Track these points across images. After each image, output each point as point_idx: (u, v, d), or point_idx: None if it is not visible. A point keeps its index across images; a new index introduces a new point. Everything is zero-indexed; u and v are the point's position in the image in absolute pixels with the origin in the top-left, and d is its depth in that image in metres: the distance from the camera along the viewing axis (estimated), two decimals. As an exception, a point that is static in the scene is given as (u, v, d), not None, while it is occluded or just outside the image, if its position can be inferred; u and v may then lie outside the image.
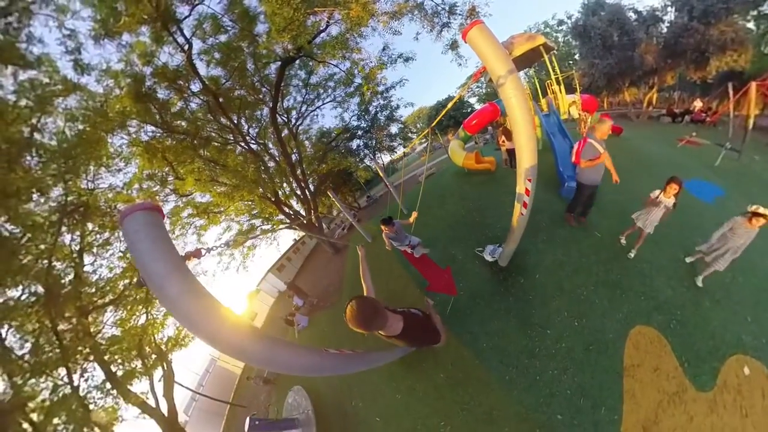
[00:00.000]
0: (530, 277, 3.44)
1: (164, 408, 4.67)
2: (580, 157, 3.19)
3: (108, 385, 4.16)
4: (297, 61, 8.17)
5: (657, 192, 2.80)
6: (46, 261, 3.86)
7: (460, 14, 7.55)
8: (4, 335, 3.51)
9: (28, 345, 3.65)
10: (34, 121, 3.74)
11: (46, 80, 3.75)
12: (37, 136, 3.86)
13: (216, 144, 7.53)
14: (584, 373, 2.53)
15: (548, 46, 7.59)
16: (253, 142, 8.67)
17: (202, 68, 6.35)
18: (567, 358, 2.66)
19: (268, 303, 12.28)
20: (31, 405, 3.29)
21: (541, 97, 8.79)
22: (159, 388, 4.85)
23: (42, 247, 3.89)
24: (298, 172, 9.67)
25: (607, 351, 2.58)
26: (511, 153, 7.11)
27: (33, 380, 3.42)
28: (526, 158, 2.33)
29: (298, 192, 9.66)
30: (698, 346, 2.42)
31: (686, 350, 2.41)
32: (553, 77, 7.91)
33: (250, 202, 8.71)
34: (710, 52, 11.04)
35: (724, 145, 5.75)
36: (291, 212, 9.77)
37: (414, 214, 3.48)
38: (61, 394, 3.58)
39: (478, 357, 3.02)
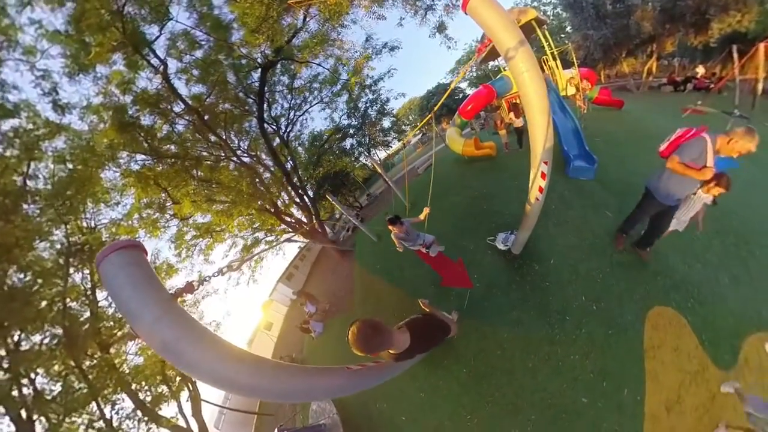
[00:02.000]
0: (545, 263, 3.37)
1: (195, 427, 4.84)
2: (671, 151, 2.22)
3: (139, 413, 4.30)
4: (278, 66, 7.97)
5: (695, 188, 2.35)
6: (60, 304, 3.93)
7: None
8: (34, 379, 3.63)
9: (58, 386, 3.77)
10: (24, 168, 3.74)
11: (30, 126, 3.71)
12: (30, 183, 3.86)
13: (207, 162, 7.47)
14: (606, 356, 2.54)
15: (540, 19, 7.25)
16: (244, 155, 8.59)
17: (182, 88, 6.24)
18: (588, 343, 2.65)
19: (282, 312, 12.53)
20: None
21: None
22: (187, 407, 5.02)
23: (54, 290, 3.96)
24: (295, 179, 9.60)
25: (627, 333, 2.58)
26: (519, 131, 6.94)
27: (68, 419, 3.56)
28: (541, 138, 2.12)
29: (297, 200, 9.65)
30: (718, 324, 2.40)
31: (706, 329, 2.39)
32: (548, 53, 7.59)
33: (249, 216, 8.73)
34: (711, 13, 10.32)
35: (732, 112, 5.46)
36: (293, 221, 9.79)
37: (426, 211, 3.28)
38: (97, 428, 3.72)
39: (499, 348, 3.03)
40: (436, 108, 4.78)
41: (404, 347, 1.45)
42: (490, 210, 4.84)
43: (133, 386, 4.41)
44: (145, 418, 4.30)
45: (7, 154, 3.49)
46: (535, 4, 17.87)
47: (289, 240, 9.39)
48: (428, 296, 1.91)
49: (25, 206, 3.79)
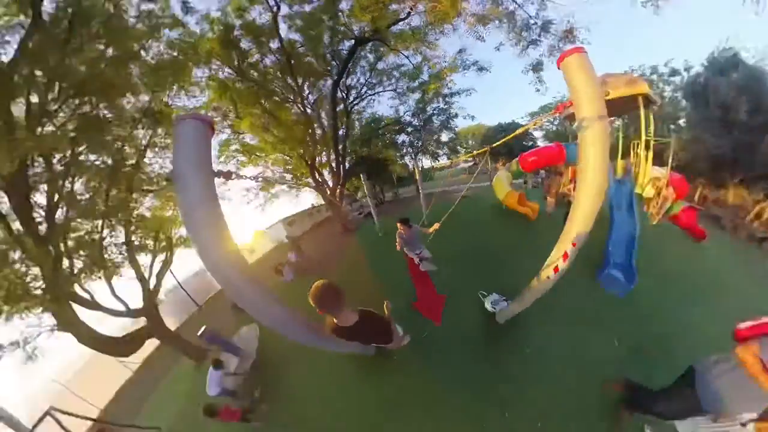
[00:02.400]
0: (517, 350, 3.21)
1: (152, 283, 5.93)
2: (751, 336, 1.46)
3: (123, 249, 5.46)
4: (369, 44, 8.56)
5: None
6: (120, 143, 5.16)
7: (553, 34, 6.75)
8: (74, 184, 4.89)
9: (86, 196, 5.02)
10: (144, 42, 5.01)
11: (159, 13, 4.93)
12: (143, 53, 5.14)
13: (276, 99, 8.59)
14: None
15: (650, 98, 6.24)
16: (309, 107, 9.58)
17: (282, 30, 7.24)
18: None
19: (268, 247, 13.56)
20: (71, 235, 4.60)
21: (619, 157, 7.36)
22: (156, 268, 6.14)
23: (122, 133, 5.22)
24: (340, 146, 10.34)
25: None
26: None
27: (79, 220, 4.80)
28: (581, 220, 2.06)
29: (333, 164, 10.40)
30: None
31: None
32: (643, 138, 6.52)
33: (288, 158, 9.79)
34: None
35: None
36: (320, 179, 10.63)
37: (435, 226, 3.39)
38: (89, 240, 4.87)
39: (419, 394, 3.02)
40: (496, 145, 4.70)
41: (345, 325, 1.59)
42: (500, 267, 4.69)
43: (132, 228, 5.61)
44: (125, 254, 5.44)
45: (138, 26, 4.73)
46: (654, 78, 14.77)
47: (315, 190, 10.06)
48: (396, 305, 2.04)
49: (132, 67, 5.04)
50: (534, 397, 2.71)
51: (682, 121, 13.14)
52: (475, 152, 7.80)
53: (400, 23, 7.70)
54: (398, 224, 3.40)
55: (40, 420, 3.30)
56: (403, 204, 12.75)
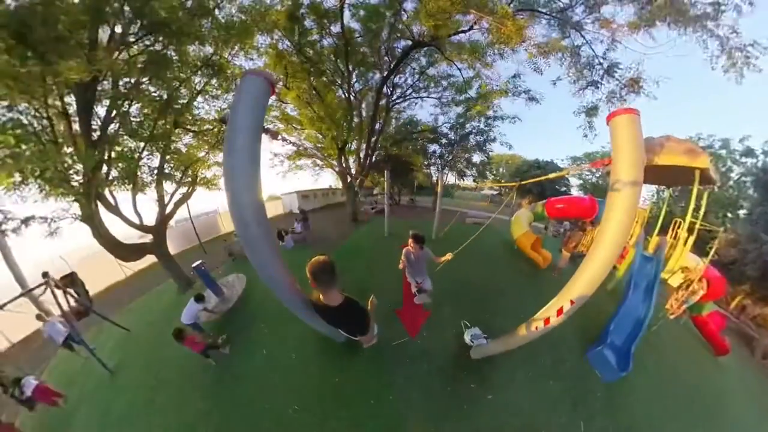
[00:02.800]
0: (482, 390, 3.19)
1: (168, 209, 6.69)
2: None
3: (154, 172, 6.23)
4: (425, 48, 8.60)
5: None
6: (178, 83, 5.89)
7: (617, 79, 6.18)
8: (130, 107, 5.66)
9: (139, 117, 5.78)
10: (219, 1, 5.69)
11: None
12: (216, 11, 5.83)
13: (325, 79, 9.07)
14: None
15: (708, 176, 5.40)
16: (353, 94, 9.96)
17: (345, 18, 7.60)
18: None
19: (276, 212, 14.09)
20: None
21: (656, 232, 6.48)
22: (175, 197, 6.90)
23: (182, 75, 5.96)
24: (373, 139, 10.60)
25: None
26: None
27: (126, 139, 5.61)
28: (585, 281, 2.09)
29: (362, 154, 10.69)
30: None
31: None
32: (688, 218, 5.70)
33: (321, 136, 10.30)
34: None
35: None
36: (345, 164, 11.01)
37: (447, 256, 3.13)
38: (131, 155, 5.64)
39: (374, 398, 3.08)
40: (527, 182, 4.56)
41: (329, 304, 1.68)
42: (492, 306, 4.69)
43: (167, 157, 6.39)
44: (152, 177, 6.19)
45: None
46: (723, 154, 12.39)
47: (332, 169, 10.44)
48: (379, 305, 2.18)
49: (204, 22, 5.71)
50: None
51: (743, 212, 11.19)
52: (503, 182, 7.46)
53: (460, 35, 7.64)
54: (410, 240, 2.99)
55: (40, 285, 4.03)
56: (415, 213, 12.69)
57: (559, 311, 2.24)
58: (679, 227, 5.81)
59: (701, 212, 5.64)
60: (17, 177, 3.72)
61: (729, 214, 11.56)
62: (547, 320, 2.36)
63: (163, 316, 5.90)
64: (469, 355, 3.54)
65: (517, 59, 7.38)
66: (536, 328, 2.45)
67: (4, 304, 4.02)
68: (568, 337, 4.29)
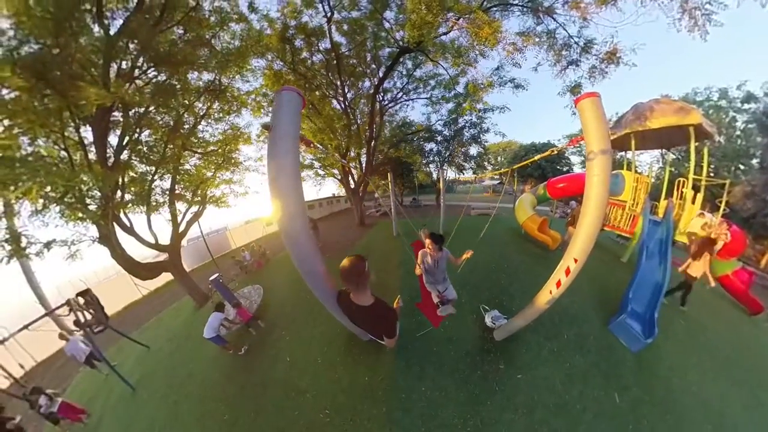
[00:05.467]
0: (512, 370, 3.15)
1: (181, 227, 6.99)
2: None
3: (166, 193, 6.58)
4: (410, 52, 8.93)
5: None
6: (183, 109, 6.34)
7: (595, 55, 6.21)
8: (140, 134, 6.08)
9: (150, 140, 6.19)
10: (215, 31, 6.20)
11: (228, 9, 6.08)
12: (213, 41, 6.34)
13: (319, 93, 9.52)
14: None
15: (704, 130, 5.28)
16: (347, 104, 10.35)
17: (332, 33, 8.06)
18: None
19: None
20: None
21: (663, 196, 6.23)
22: (187, 216, 7.22)
23: (185, 101, 6.42)
24: (372, 144, 10.87)
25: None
26: None
27: (142, 163, 6.00)
28: (583, 238, 2.28)
29: (363, 159, 10.94)
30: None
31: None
32: (690, 176, 5.51)
33: (321, 147, 10.65)
34: None
35: None
36: (348, 171, 11.26)
37: (467, 254, 2.83)
38: (143, 179, 6.00)
39: (403, 391, 3.01)
40: (518, 166, 4.62)
41: (358, 303, 1.66)
42: (507, 288, 4.74)
43: (177, 178, 6.75)
44: (164, 198, 6.54)
45: (210, 19, 5.90)
46: (723, 104, 11.48)
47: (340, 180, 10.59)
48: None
49: (203, 50, 6.21)
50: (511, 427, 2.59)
51: (755, 161, 10.21)
52: (500, 170, 7.45)
53: (442, 36, 7.94)
54: (427, 241, 2.78)
55: (62, 305, 4.25)
56: (419, 212, 12.71)
57: (567, 271, 2.37)
58: (683, 186, 5.63)
59: (705, 168, 5.44)
60: (40, 202, 4.04)
61: (741, 166, 10.68)
62: (558, 282, 2.47)
63: (180, 331, 6.04)
64: (493, 337, 3.51)
65: (498, 53, 7.58)
66: (550, 292, 2.54)
67: (29, 324, 4.23)
68: (589, 312, 4.21)
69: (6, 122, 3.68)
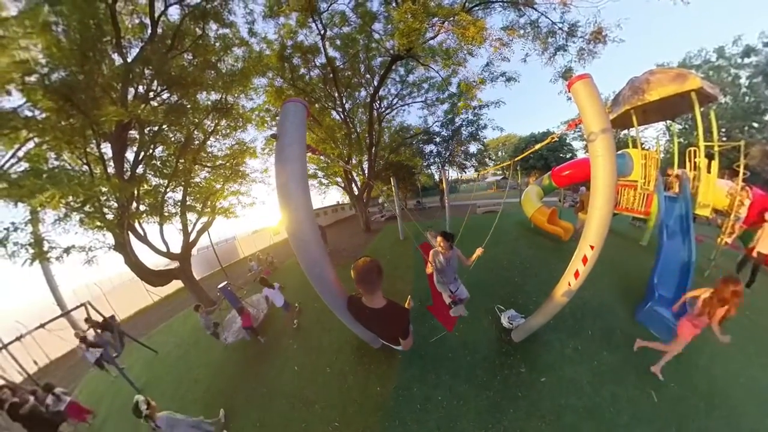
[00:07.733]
0: (534, 373, 2.91)
1: (191, 237, 7.32)
2: None
3: (178, 205, 7.00)
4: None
5: None
6: (193, 126, 6.88)
7: (581, 37, 6.27)
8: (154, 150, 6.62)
9: (165, 154, 6.68)
10: (219, 56, 6.87)
11: (230, 36, 6.75)
12: (219, 64, 7.00)
13: (318, 106, 10.07)
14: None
15: (706, 93, 5.04)
16: (346, 113, 10.84)
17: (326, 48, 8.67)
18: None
19: None
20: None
21: (674, 168, 5.87)
22: (197, 226, 7.58)
23: (195, 119, 6.98)
24: (372, 150, 11.19)
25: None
26: None
27: (155, 177, 6.48)
28: (596, 222, 2.17)
29: (365, 166, 11.23)
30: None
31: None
32: (701, 143, 5.22)
33: (322, 158, 11.07)
34: None
35: None
36: (351, 178, 11.54)
37: (478, 252, 2.78)
38: (156, 191, 6.43)
39: (420, 402, 2.84)
40: (518, 158, 4.57)
41: (371, 306, 1.62)
42: (521, 285, 4.57)
43: (189, 189, 7.20)
44: (176, 209, 6.93)
45: (215, 45, 6.57)
46: (722, 63, 10.51)
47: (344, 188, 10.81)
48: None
49: (210, 72, 6.83)
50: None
51: None
52: (501, 164, 7.40)
53: (430, 41, 8.34)
54: (439, 239, 2.74)
55: (78, 307, 4.50)
56: (424, 215, 12.64)
57: (584, 260, 2.24)
58: (695, 156, 5.29)
59: (714, 132, 5.09)
60: (62, 210, 4.44)
61: (755, 124, 9.72)
62: (576, 273, 2.33)
63: (189, 338, 6.15)
64: (511, 338, 3.29)
65: (485, 50, 7.83)
66: (568, 284, 2.40)
67: (46, 323, 4.49)
68: (613, 304, 3.88)
69: (36, 139, 4.18)
